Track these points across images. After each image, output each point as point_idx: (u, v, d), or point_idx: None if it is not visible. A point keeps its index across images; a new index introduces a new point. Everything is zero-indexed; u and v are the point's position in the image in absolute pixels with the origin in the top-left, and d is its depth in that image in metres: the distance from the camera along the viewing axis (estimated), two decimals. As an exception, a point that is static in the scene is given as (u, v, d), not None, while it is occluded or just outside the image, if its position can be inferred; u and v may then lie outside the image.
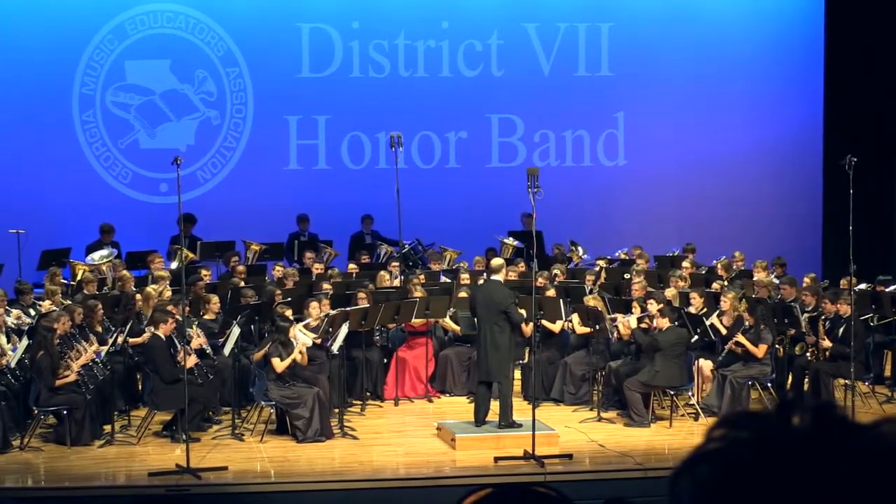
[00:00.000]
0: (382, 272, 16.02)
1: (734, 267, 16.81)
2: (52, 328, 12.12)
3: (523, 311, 12.94)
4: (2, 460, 11.70)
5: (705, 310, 13.99)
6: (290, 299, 14.07)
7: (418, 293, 14.52)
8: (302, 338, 12.77)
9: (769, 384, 13.57)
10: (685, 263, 16.72)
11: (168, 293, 14.38)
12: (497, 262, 13.11)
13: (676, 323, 13.18)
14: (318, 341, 13.24)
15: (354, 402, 14.05)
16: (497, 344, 12.38)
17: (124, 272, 15.56)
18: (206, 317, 13.81)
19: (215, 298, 14.07)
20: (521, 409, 12.86)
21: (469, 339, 14.12)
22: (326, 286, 14.88)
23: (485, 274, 14.67)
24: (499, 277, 12.86)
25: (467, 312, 13.81)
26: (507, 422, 12.39)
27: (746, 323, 13.47)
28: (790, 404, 1.44)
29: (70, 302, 13.81)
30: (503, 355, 12.44)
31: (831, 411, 1.43)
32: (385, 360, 14.66)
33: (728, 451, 1.42)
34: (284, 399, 12.45)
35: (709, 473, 1.42)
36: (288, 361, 12.37)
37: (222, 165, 19.38)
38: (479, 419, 12.51)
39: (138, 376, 13.67)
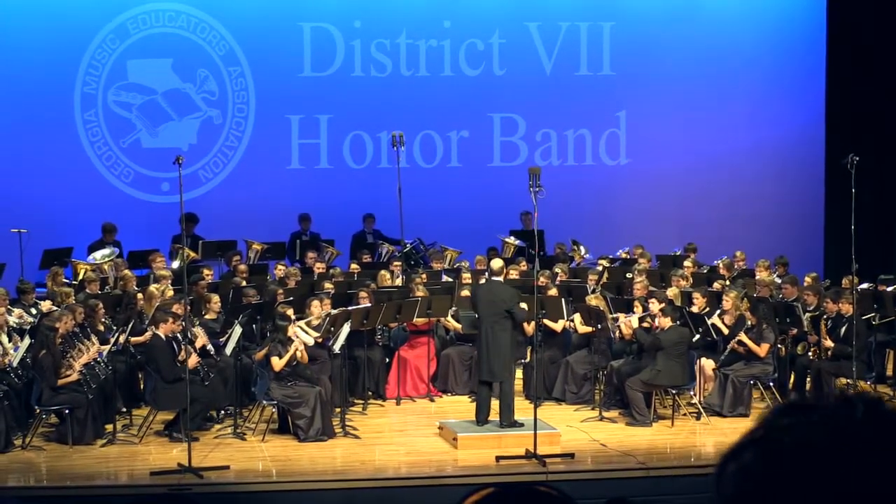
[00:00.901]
0: (384, 271, 16.02)
1: (736, 266, 16.82)
2: (54, 327, 12.13)
3: (524, 305, 12.93)
4: (4, 459, 11.71)
5: (707, 309, 13.99)
6: (291, 299, 14.07)
7: (420, 292, 14.53)
8: (302, 336, 12.78)
9: (771, 383, 13.58)
10: (687, 263, 16.73)
11: (170, 293, 14.38)
12: (497, 263, 13.11)
13: (678, 322, 13.18)
14: (320, 340, 13.25)
15: (356, 401, 14.05)
16: (498, 343, 12.38)
17: (126, 271, 15.57)
18: (207, 316, 13.82)
19: (216, 298, 14.08)
20: (522, 409, 12.86)
21: (471, 338, 14.11)
22: (328, 285, 14.88)
23: (486, 274, 14.67)
24: (499, 279, 12.88)
25: (469, 311, 13.81)
26: (508, 421, 12.39)
27: (748, 322, 13.47)
28: (840, 396, 1.46)
29: (72, 301, 13.82)
30: (505, 354, 12.44)
31: (879, 404, 1.45)
32: (387, 360, 14.67)
33: (772, 439, 1.45)
34: (286, 398, 12.45)
35: (753, 459, 1.46)
36: (285, 359, 12.36)
37: (224, 165, 19.38)
38: (482, 419, 12.51)
39: (140, 376, 13.68)
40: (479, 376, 12.92)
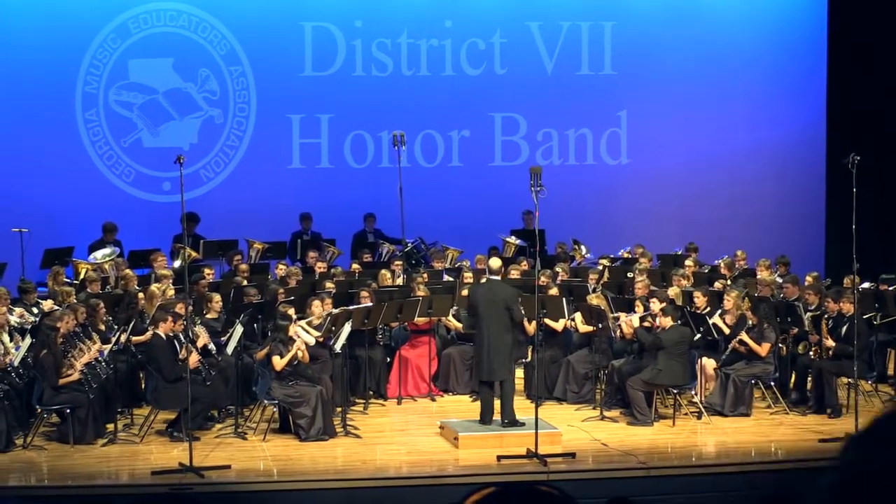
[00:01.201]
0: (385, 271, 16.03)
1: (737, 266, 16.82)
2: (55, 327, 12.13)
3: (524, 311, 12.93)
4: (5, 459, 11.71)
5: (708, 308, 13.99)
6: (292, 298, 14.07)
7: (421, 292, 14.53)
8: (304, 335, 12.78)
9: (772, 383, 13.58)
10: (688, 262, 16.74)
11: (171, 292, 14.39)
12: (495, 263, 13.10)
13: (679, 322, 13.18)
14: (321, 340, 13.25)
15: (357, 400, 14.06)
16: (499, 342, 12.38)
17: (127, 271, 15.57)
18: (208, 316, 13.83)
19: (217, 297, 14.08)
20: (523, 408, 12.85)
21: (472, 337, 14.09)
22: (329, 285, 14.88)
23: (486, 272, 14.67)
24: (497, 278, 12.88)
25: (470, 311, 13.81)
26: (510, 419, 12.39)
27: (750, 322, 13.47)
28: None
29: (73, 300, 13.82)
30: (504, 353, 12.44)
31: None
32: (388, 359, 14.67)
33: (849, 467, 1.56)
34: (287, 398, 12.45)
35: (828, 484, 1.57)
36: (286, 359, 12.36)
37: (225, 164, 19.39)
38: (487, 419, 12.49)
39: (141, 375, 13.68)
40: (478, 376, 12.91)
